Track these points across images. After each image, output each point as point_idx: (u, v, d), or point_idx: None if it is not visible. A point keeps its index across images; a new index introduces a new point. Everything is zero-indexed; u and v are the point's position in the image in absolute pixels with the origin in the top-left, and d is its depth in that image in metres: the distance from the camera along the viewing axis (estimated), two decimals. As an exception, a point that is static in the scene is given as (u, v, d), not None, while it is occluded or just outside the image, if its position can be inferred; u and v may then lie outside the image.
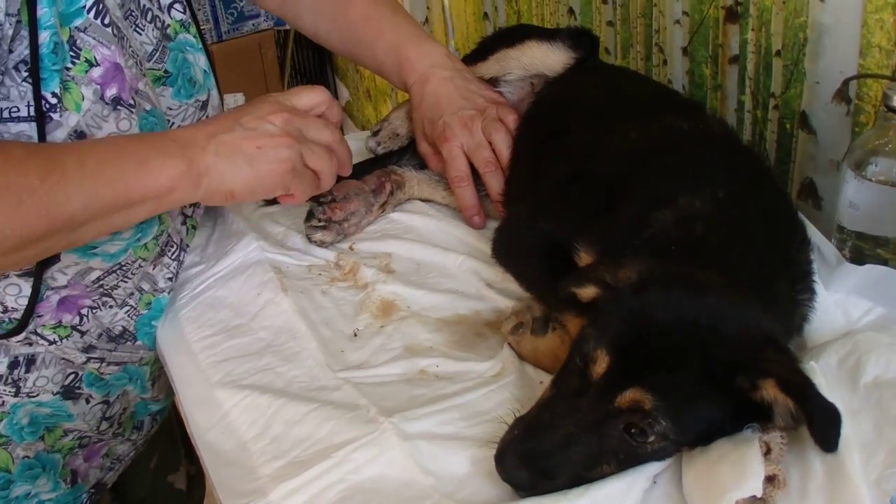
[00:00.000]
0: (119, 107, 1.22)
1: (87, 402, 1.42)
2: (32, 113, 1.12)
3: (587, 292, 1.02)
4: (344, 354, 1.24)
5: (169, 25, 1.36)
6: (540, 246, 1.22)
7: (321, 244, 1.46)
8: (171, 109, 1.38)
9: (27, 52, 1.10)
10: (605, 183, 1.23)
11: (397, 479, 1.02)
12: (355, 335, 1.28)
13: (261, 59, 3.75)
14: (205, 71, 1.43)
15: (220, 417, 1.16)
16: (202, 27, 1.44)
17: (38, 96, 1.12)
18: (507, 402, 1.11)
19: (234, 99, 3.54)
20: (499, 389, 1.13)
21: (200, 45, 1.42)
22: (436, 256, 1.43)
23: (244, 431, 1.12)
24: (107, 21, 1.19)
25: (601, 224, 1.15)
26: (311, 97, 1.31)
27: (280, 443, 1.09)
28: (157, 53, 1.34)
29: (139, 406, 1.55)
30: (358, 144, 1.73)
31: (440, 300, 1.33)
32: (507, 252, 1.31)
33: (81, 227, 1.09)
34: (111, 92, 1.20)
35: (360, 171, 1.58)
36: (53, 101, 1.13)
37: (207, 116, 1.44)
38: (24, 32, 1.09)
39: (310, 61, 4.05)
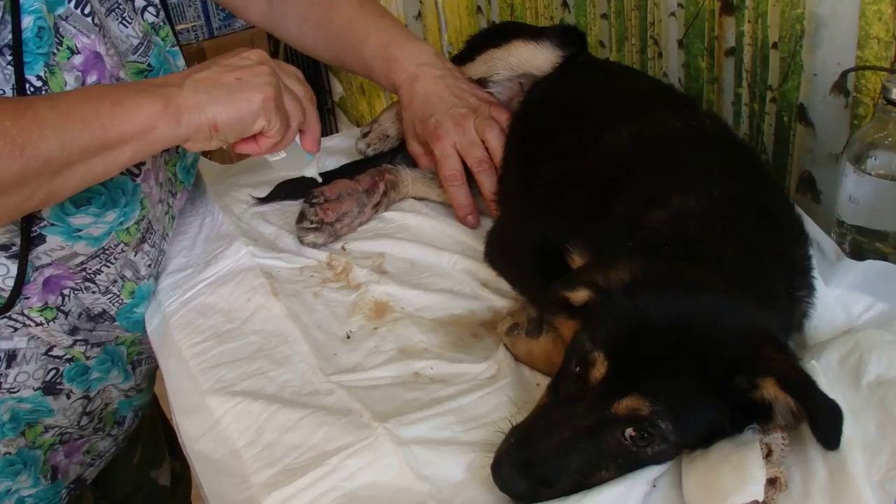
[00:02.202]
0: None
1: (68, 397, 1.42)
2: (16, 95, 1.12)
3: (579, 296, 1.00)
4: (337, 357, 1.22)
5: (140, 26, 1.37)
6: (532, 248, 1.20)
7: (313, 246, 1.44)
8: None
9: (10, 36, 1.10)
10: (597, 183, 1.21)
11: (392, 485, 1.00)
12: (348, 337, 1.26)
13: (253, 56, 3.72)
14: (182, 68, 1.44)
15: (212, 425, 1.14)
16: (193, 23, 1.45)
17: (20, 80, 1.12)
18: (504, 405, 1.09)
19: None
20: (495, 392, 1.11)
21: (173, 48, 1.43)
22: (430, 256, 1.41)
23: (236, 439, 1.10)
24: (87, 11, 1.21)
25: (594, 225, 1.13)
26: (287, 66, 1.29)
27: (272, 450, 1.07)
28: (143, 47, 1.34)
29: (122, 403, 1.55)
30: (351, 142, 1.72)
31: (434, 300, 1.31)
32: (499, 255, 1.29)
33: (62, 171, 1.06)
34: (92, 79, 1.21)
35: (353, 170, 1.56)
36: (38, 83, 1.14)
37: None
38: (8, 17, 1.09)
39: (302, 57, 4.01)
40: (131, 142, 1.10)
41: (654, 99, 1.40)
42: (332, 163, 1.63)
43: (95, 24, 1.22)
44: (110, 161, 1.11)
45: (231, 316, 1.32)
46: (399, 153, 1.64)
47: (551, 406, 0.97)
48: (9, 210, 1.08)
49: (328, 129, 4.11)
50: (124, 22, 1.31)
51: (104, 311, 1.39)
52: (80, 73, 1.19)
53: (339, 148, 1.73)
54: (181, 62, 1.45)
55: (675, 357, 0.91)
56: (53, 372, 1.38)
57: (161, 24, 1.41)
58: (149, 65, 1.36)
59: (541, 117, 1.47)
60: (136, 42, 1.33)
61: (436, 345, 1.23)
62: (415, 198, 1.58)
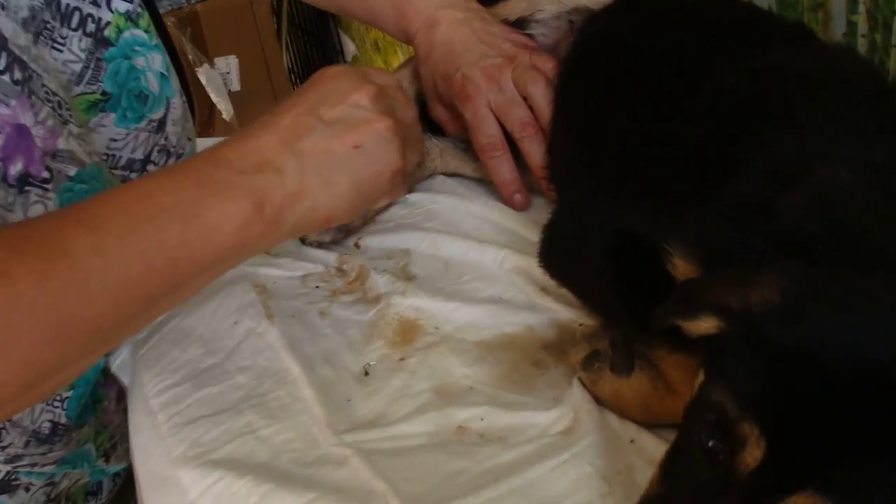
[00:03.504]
0: (28, 187, 0.92)
1: (27, 490, 1.12)
2: None
3: (703, 326, 0.67)
4: (351, 405, 0.91)
5: (108, 24, 1.06)
6: (608, 248, 0.88)
7: (318, 245, 1.16)
8: (114, 141, 1.11)
9: None
10: (697, 151, 0.89)
11: None
12: (366, 374, 0.96)
13: (253, 16, 3.46)
14: (162, 74, 1.14)
15: (183, 512, 0.84)
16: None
17: None
18: (589, 479, 0.77)
19: (227, 62, 3.25)
20: (574, 459, 0.79)
21: (156, 41, 1.12)
22: (469, 251, 1.11)
23: (215, 535, 0.80)
24: (2, 66, 0.89)
25: (698, 213, 0.80)
26: (385, 76, 0.99)
27: (265, 555, 0.77)
28: (90, 71, 1.05)
29: (95, 474, 1.25)
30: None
31: (479, 315, 1.01)
32: (561, 258, 0.97)
33: (118, 331, 0.78)
34: (16, 169, 0.90)
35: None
36: None
37: (166, 138, 1.15)
38: None
39: (309, 14, 3.76)
40: (212, 269, 0.80)
41: (762, 30, 1.06)
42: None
43: (16, 82, 0.90)
44: (183, 297, 0.82)
45: (213, 346, 1.02)
46: (421, 119, 1.35)
47: (668, 499, 0.65)
48: (42, 398, 0.83)
49: (342, 91, 3.89)
50: (56, 46, 1.01)
51: (55, 426, 1.08)
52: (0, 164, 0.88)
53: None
54: (158, 63, 1.13)
55: (877, 425, 0.58)
56: (5, 472, 1.08)
57: (138, 11, 1.09)
58: (103, 92, 1.06)
59: (602, 63, 1.15)
60: (78, 67, 1.03)
61: (484, 381, 0.92)
62: (445, 174, 1.28)
